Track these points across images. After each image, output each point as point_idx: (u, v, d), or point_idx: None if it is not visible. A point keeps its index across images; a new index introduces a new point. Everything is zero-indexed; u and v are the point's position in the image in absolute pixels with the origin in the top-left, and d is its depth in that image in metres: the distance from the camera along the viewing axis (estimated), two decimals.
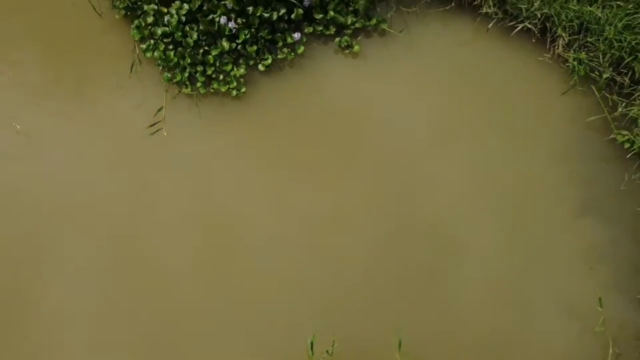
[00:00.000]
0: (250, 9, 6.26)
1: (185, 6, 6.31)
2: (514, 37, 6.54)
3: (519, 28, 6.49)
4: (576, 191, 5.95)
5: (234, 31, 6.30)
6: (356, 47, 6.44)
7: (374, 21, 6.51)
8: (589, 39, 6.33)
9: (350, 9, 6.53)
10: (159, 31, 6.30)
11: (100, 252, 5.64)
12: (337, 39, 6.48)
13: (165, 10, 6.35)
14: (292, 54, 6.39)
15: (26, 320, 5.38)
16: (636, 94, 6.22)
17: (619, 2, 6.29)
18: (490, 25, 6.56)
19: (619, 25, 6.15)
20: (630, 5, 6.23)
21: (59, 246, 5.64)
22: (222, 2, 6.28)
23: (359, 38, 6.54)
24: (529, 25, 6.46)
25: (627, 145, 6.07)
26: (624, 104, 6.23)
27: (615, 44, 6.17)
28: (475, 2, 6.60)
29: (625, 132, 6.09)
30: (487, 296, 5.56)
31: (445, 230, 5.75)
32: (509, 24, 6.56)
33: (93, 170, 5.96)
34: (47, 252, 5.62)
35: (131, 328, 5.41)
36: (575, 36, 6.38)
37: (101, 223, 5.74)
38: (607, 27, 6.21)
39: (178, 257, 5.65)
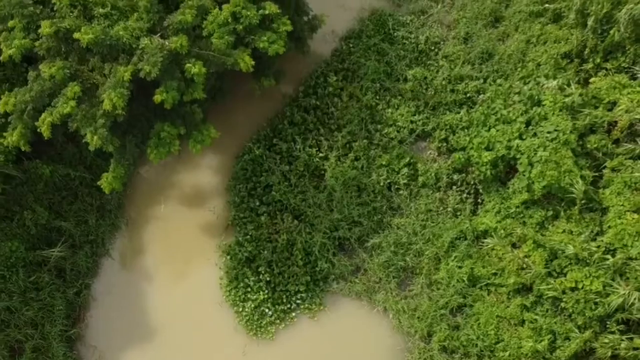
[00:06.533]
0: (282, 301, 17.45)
1: (252, 304, 17.48)
2: (375, 312, 17.55)
3: (375, 310, 17.54)
4: None
5: (270, 315, 17.47)
6: (322, 308, 17.57)
7: (322, 307, 17.63)
8: (400, 317, 17.34)
9: (316, 301, 17.64)
10: (244, 313, 17.50)
11: None
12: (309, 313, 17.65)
13: (246, 300, 17.56)
14: (291, 321, 17.55)
15: None
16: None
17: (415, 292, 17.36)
18: (363, 307, 17.61)
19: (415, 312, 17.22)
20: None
21: None
22: (266, 298, 17.45)
23: (320, 307, 17.61)
24: (380, 309, 17.51)
25: None
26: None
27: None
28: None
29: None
30: None
31: None
32: (373, 306, 17.60)
33: None
34: None
35: None
36: (399, 310, 17.38)
37: None
38: (403, 314, 17.26)
39: None
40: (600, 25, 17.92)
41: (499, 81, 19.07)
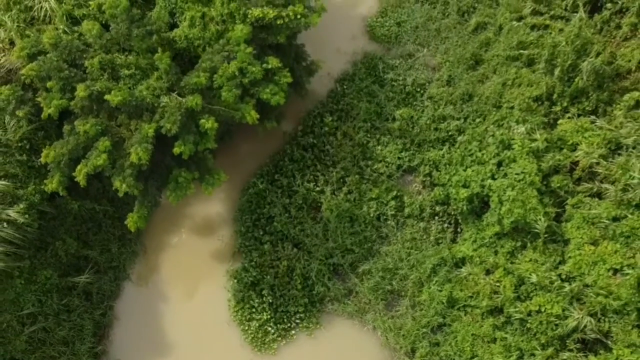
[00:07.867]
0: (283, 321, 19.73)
1: (257, 323, 19.77)
2: (365, 330, 19.84)
3: (365, 328, 19.83)
4: None
5: (273, 333, 19.76)
6: (318, 327, 19.86)
7: (318, 325, 19.93)
8: (387, 335, 19.64)
9: (313, 320, 19.91)
10: (249, 331, 19.79)
11: None
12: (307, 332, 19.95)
13: (251, 320, 19.85)
14: (291, 338, 19.82)
15: None
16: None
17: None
18: (355, 326, 19.91)
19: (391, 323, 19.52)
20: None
21: None
22: (269, 317, 19.74)
23: (317, 326, 19.91)
24: (370, 328, 19.81)
25: None
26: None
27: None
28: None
29: None
30: None
31: None
32: (363, 325, 19.89)
33: None
34: None
35: None
36: (387, 329, 19.68)
37: None
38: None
39: None
40: (567, 74, 20.18)
41: (477, 120, 21.30)
